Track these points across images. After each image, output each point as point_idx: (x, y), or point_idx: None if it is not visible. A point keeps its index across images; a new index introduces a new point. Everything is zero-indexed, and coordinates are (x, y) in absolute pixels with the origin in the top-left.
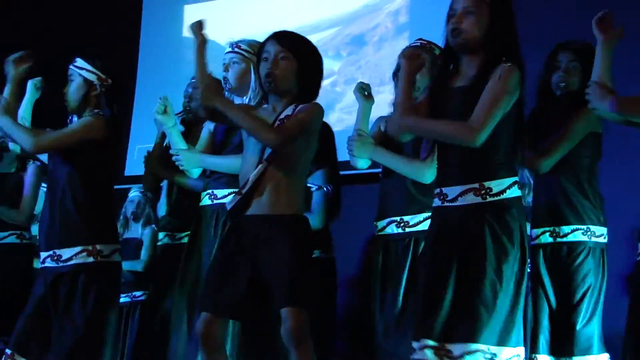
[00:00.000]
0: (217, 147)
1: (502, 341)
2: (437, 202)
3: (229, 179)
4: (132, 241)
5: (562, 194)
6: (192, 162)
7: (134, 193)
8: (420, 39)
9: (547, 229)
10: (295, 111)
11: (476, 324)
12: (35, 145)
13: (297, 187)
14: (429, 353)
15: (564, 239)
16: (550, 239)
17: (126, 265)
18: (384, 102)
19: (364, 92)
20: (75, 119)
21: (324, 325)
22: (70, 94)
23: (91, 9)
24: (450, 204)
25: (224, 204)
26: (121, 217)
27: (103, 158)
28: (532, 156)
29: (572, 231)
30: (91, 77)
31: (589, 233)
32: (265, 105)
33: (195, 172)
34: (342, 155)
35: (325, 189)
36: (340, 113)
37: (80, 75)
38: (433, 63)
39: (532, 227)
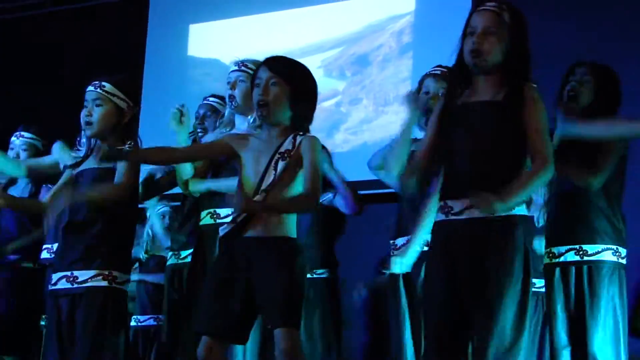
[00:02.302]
0: (217, 165)
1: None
2: (440, 216)
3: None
4: (157, 257)
5: (594, 212)
6: (197, 186)
7: (164, 208)
8: (439, 66)
9: (573, 247)
10: (295, 145)
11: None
12: (119, 196)
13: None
14: None
15: (592, 258)
16: (577, 257)
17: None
18: (387, 123)
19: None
20: (98, 142)
21: (329, 343)
22: (100, 120)
23: (96, 28)
24: (455, 217)
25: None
26: (145, 235)
27: (135, 191)
28: (578, 172)
29: (602, 251)
30: (122, 104)
31: (617, 254)
32: (259, 132)
33: (197, 193)
34: (351, 175)
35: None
36: (345, 134)
37: (111, 101)
38: None
39: (551, 245)
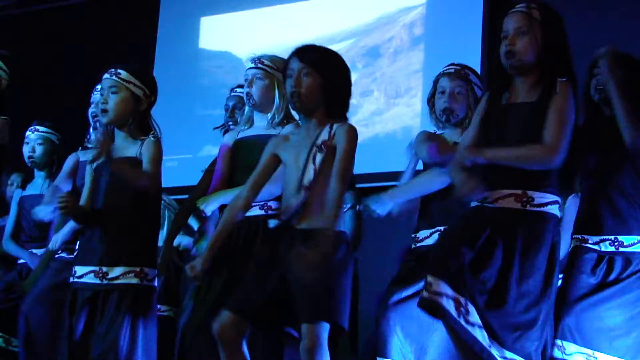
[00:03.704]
0: (236, 164)
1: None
2: (475, 203)
3: None
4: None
5: (627, 203)
6: (210, 206)
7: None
8: (453, 64)
9: (608, 237)
10: (331, 134)
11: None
12: (147, 185)
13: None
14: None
15: (627, 249)
16: (612, 248)
17: None
18: (398, 115)
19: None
20: (115, 130)
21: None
22: (115, 106)
23: (107, 21)
24: (489, 205)
25: (245, 218)
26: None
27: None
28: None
29: (638, 242)
30: (138, 92)
31: None
32: (295, 130)
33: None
34: (363, 168)
35: (357, 208)
36: (357, 126)
37: (127, 88)
38: (469, 90)
39: (582, 233)
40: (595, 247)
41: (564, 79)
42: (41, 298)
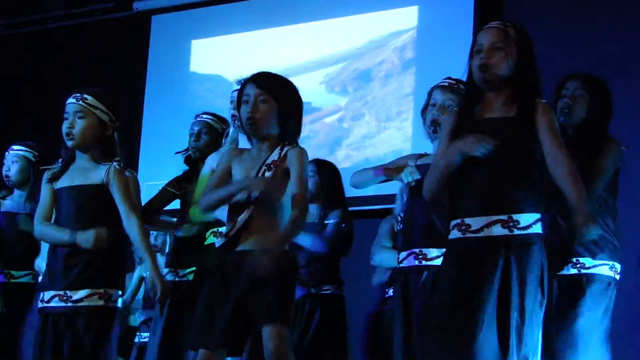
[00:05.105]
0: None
1: None
2: (456, 234)
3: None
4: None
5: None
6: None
7: None
8: (449, 78)
9: (570, 259)
10: (281, 155)
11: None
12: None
13: (281, 223)
14: None
15: (588, 271)
16: (574, 270)
17: None
18: (389, 139)
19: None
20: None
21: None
22: (82, 132)
23: (98, 43)
24: (474, 235)
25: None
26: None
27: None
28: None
29: (599, 265)
30: (105, 117)
31: (614, 269)
32: (248, 148)
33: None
34: (353, 191)
35: (342, 225)
36: (347, 150)
37: (94, 114)
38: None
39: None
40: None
41: (544, 101)
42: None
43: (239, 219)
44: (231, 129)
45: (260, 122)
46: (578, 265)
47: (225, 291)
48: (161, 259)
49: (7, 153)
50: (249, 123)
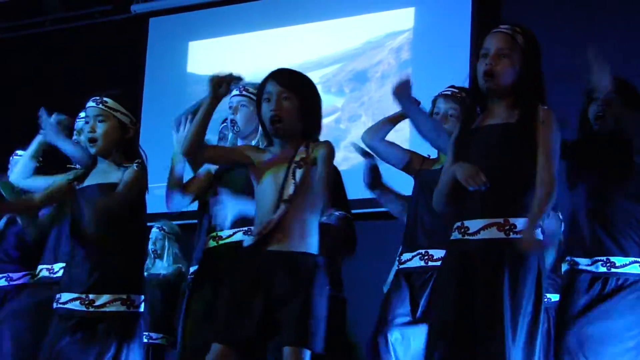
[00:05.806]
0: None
1: None
2: (456, 236)
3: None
4: (153, 278)
5: (620, 224)
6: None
7: (153, 230)
8: (452, 87)
9: (600, 258)
10: (309, 153)
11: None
12: (106, 211)
13: (314, 225)
14: None
15: (619, 270)
16: (604, 269)
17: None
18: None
19: None
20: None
21: None
22: (104, 135)
23: (96, 45)
24: (471, 237)
25: (229, 244)
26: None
27: (140, 207)
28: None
29: (630, 263)
30: (125, 119)
31: None
32: (271, 148)
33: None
34: (351, 193)
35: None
36: (345, 151)
37: (114, 117)
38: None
39: (572, 255)
40: (589, 268)
41: (546, 107)
42: (23, 314)
43: (274, 217)
44: (230, 134)
45: (285, 120)
46: (608, 264)
47: (254, 292)
48: (160, 263)
49: (11, 158)
50: (273, 121)
